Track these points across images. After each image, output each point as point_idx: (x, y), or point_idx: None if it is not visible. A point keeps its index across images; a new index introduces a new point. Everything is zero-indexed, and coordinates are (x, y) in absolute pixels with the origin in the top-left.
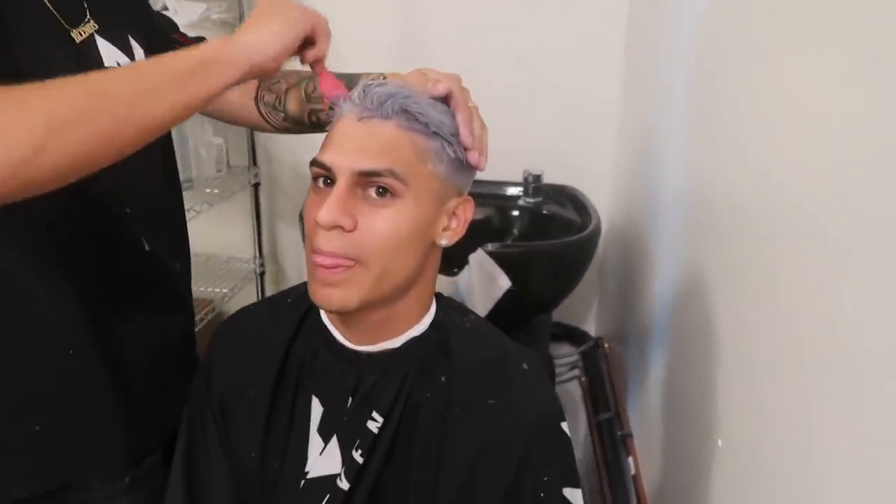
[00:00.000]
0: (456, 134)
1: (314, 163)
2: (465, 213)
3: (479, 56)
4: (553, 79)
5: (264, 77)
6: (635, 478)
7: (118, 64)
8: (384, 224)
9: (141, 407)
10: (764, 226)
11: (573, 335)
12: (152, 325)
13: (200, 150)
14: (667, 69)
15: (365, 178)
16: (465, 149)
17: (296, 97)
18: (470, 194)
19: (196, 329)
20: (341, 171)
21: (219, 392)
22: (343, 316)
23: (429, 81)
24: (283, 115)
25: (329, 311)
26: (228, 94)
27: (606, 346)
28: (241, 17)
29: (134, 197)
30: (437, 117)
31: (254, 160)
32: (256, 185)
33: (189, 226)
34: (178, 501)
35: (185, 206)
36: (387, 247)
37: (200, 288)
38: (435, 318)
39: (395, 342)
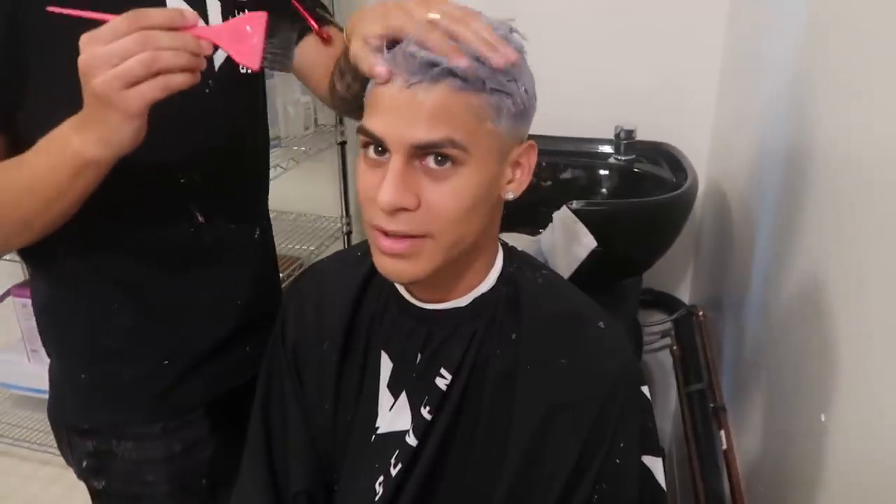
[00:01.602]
0: (514, 80)
1: (362, 130)
2: (529, 161)
3: (571, 5)
4: (649, 28)
5: None
6: (726, 452)
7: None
8: (450, 197)
9: (181, 374)
10: (884, 182)
11: (665, 302)
12: (202, 297)
13: (288, 109)
14: (776, 7)
15: (422, 150)
16: (489, 60)
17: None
18: (556, 151)
19: (283, 285)
20: (395, 146)
21: (292, 345)
22: None
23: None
24: (340, 88)
25: (400, 283)
26: (311, 71)
27: (700, 314)
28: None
29: (192, 168)
30: (489, 67)
31: (340, 118)
32: (343, 144)
33: (277, 184)
34: (258, 451)
35: (272, 164)
36: (457, 218)
37: (288, 245)
38: (503, 272)
39: (463, 300)
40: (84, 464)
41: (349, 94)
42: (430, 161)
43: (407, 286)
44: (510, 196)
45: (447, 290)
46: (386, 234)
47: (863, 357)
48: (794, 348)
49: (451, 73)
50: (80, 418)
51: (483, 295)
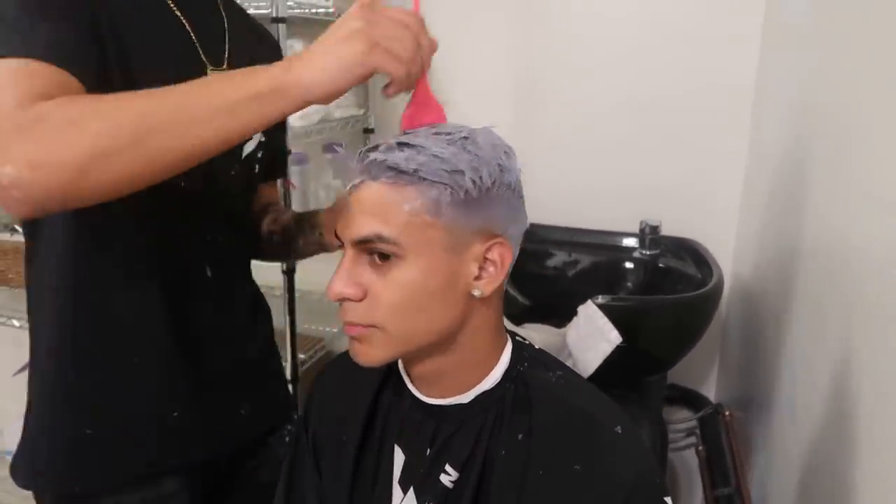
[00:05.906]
0: (457, 170)
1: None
2: (502, 258)
3: (598, 100)
4: (675, 125)
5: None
6: None
7: None
8: (390, 290)
9: (146, 433)
10: None
11: (690, 399)
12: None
13: (320, 192)
14: (799, 104)
15: (363, 245)
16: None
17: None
18: (581, 244)
19: (305, 366)
20: (345, 241)
21: (313, 434)
22: (405, 366)
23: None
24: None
25: (360, 364)
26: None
27: (727, 413)
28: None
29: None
30: (434, 156)
31: None
32: None
33: (304, 264)
34: None
35: None
36: (399, 312)
37: (312, 326)
38: (510, 369)
39: (465, 397)
40: None
41: (269, 236)
42: (375, 257)
43: (412, 381)
44: (477, 293)
45: (446, 387)
46: (344, 323)
47: None
48: (826, 459)
49: (387, 167)
50: (61, 485)
51: (486, 392)
